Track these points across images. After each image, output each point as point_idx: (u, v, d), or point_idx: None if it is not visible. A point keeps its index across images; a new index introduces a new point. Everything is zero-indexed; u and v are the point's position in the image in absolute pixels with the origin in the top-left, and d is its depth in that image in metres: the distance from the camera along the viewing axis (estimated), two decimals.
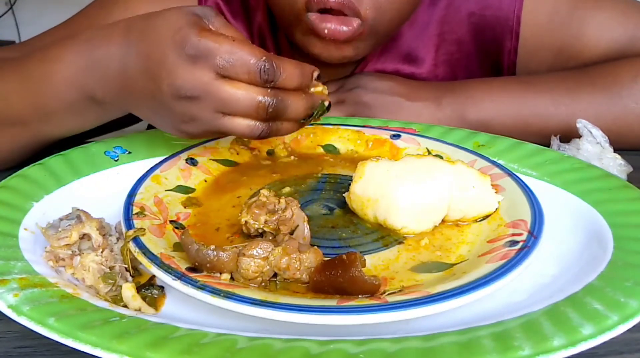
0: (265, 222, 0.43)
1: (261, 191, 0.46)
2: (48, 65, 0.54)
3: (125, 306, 0.38)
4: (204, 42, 0.44)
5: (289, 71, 0.45)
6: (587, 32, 0.74)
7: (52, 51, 0.54)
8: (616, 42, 0.73)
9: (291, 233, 0.43)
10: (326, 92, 0.50)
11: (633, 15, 0.74)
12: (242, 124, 0.46)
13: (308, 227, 0.43)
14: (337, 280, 0.37)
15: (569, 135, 0.63)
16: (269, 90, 0.45)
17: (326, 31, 0.59)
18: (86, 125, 0.57)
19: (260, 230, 0.44)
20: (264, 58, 0.44)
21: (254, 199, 0.45)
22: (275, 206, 0.44)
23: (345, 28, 0.60)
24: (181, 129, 0.48)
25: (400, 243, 0.44)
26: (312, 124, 0.58)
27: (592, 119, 0.63)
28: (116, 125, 0.84)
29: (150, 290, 0.40)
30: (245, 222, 0.44)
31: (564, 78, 0.71)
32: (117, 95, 0.50)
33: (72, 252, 0.41)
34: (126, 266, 0.41)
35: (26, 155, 0.62)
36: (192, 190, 0.52)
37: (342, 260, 0.37)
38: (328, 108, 0.50)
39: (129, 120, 0.84)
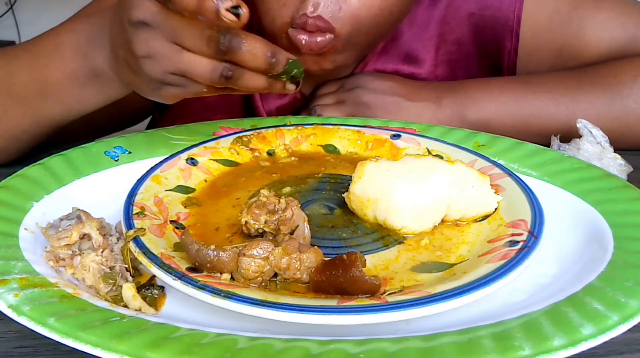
0: (266, 222, 0.43)
1: (261, 191, 0.46)
2: (59, 36, 0.57)
3: (125, 306, 0.38)
4: None
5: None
6: (587, 32, 0.74)
7: (65, 24, 0.58)
8: (616, 42, 0.73)
9: (291, 233, 0.43)
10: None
11: (633, 15, 0.74)
12: (203, 61, 0.45)
13: (308, 227, 0.43)
14: (338, 280, 0.37)
15: (569, 135, 0.63)
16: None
17: (303, 42, 0.62)
18: (85, 104, 0.57)
19: (260, 230, 0.44)
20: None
21: (254, 199, 0.45)
22: (275, 206, 0.44)
23: (319, 39, 0.61)
24: (145, 69, 0.46)
25: (400, 243, 0.44)
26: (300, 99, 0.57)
27: (592, 119, 0.63)
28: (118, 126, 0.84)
29: (150, 290, 0.40)
30: (246, 222, 0.44)
31: (564, 78, 0.71)
32: (110, 61, 0.52)
33: (73, 252, 0.41)
34: (126, 266, 0.41)
35: (29, 143, 0.62)
36: (192, 190, 0.52)
37: (342, 260, 0.37)
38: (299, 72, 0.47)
39: (128, 120, 0.85)
